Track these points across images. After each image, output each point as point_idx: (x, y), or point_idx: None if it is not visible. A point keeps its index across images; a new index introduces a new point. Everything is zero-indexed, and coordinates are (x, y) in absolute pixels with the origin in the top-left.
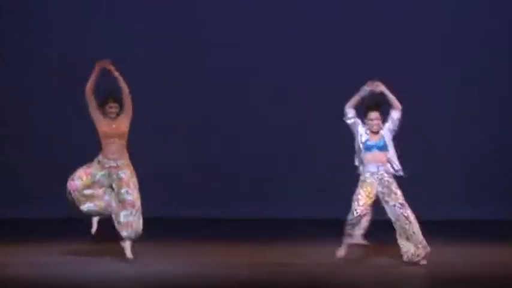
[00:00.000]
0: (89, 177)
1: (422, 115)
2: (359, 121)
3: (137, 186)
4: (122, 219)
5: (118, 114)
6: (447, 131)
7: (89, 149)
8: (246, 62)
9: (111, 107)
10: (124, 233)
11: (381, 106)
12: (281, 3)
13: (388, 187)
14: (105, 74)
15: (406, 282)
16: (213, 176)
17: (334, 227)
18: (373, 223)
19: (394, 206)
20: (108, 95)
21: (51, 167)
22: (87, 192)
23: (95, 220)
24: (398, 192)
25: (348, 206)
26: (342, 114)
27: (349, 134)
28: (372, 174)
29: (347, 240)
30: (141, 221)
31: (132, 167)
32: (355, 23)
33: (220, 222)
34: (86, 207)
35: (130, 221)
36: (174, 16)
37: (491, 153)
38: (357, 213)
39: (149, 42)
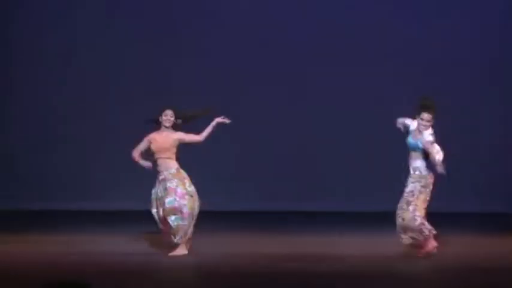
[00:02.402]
0: (153, 197)
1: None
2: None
3: (186, 193)
4: (171, 224)
5: (173, 126)
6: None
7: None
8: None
9: (166, 115)
10: (174, 239)
11: (434, 109)
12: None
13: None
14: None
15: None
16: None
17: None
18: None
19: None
20: (165, 106)
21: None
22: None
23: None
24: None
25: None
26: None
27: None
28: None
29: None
30: (191, 227)
31: (181, 175)
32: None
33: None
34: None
35: (180, 224)
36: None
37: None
38: None
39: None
